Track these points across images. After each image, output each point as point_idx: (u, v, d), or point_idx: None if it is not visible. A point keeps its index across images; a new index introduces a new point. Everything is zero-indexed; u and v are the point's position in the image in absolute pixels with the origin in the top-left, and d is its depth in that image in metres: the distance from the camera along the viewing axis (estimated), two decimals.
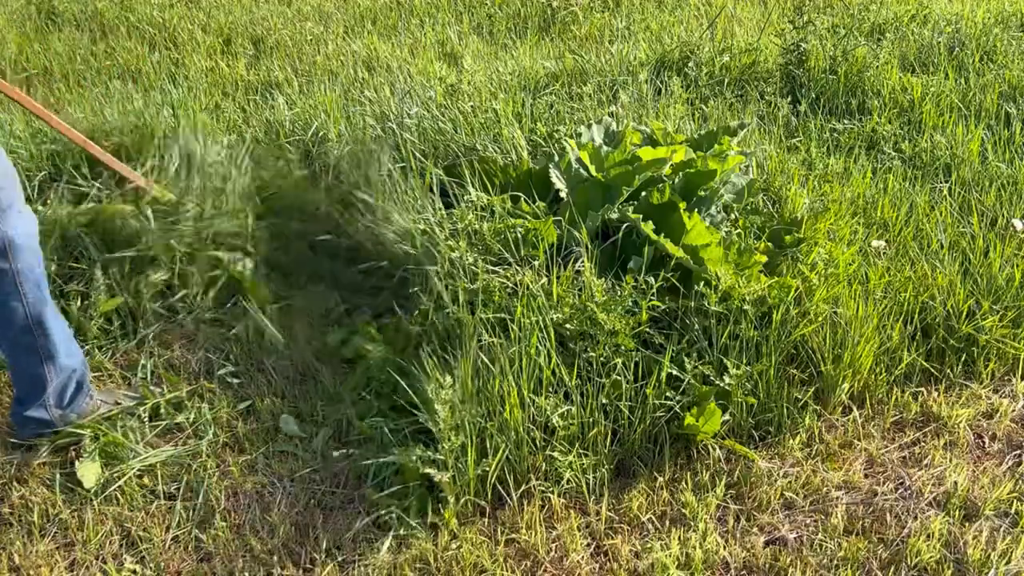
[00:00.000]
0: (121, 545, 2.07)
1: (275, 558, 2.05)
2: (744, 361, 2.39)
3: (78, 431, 2.26)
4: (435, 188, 2.90)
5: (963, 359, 2.58)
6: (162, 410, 2.38)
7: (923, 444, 2.38)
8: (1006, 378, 2.59)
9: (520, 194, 2.76)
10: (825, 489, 2.23)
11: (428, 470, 2.12)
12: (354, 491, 2.21)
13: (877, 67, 4.03)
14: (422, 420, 2.21)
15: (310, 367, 2.56)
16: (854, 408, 2.45)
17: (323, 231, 2.96)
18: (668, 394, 2.31)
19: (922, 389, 2.53)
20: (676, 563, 2.03)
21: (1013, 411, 2.48)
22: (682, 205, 2.54)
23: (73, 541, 2.07)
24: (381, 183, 2.88)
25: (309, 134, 3.47)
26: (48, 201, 2.97)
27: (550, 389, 2.30)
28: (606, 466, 2.25)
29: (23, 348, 2.15)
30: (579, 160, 2.82)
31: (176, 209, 2.88)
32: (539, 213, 2.70)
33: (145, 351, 2.61)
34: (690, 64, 4.11)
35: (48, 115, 2.84)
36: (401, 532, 2.10)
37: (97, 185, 2.98)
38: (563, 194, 2.77)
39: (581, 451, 2.25)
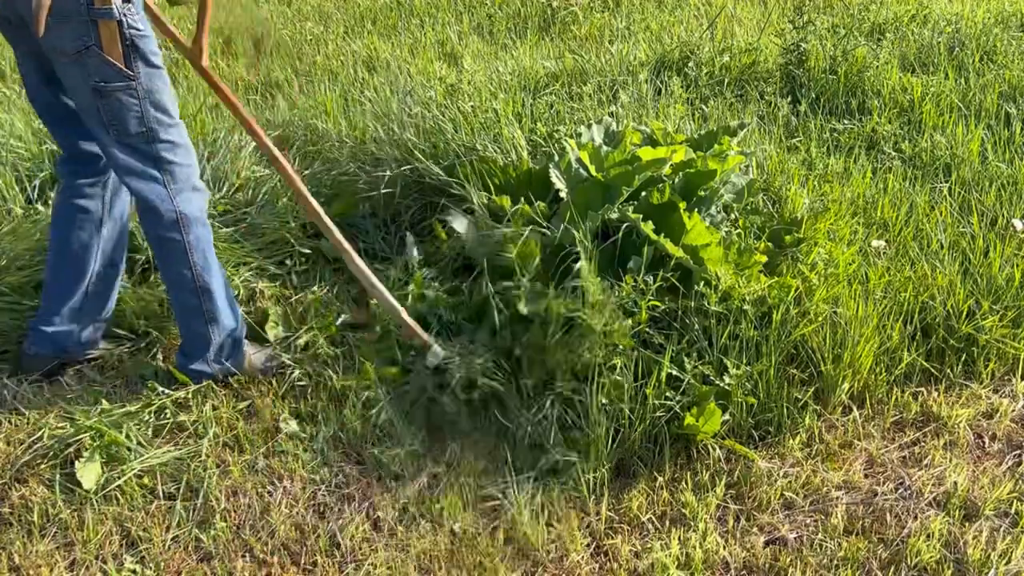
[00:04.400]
0: (121, 545, 2.07)
1: (275, 558, 2.05)
2: (744, 361, 2.39)
3: (92, 427, 2.26)
4: None
5: (963, 359, 2.58)
6: (167, 410, 2.38)
7: (923, 444, 2.38)
8: (1006, 378, 2.59)
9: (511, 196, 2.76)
10: (825, 489, 2.23)
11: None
12: (355, 490, 2.21)
13: (877, 67, 4.04)
14: None
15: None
16: (854, 408, 2.45)
17: None
18: (668, 394, 2.31)
19: (922, 389, 2.53)
20: (676, 563, 2.03)
21: (1013, 411, 2.48)
22: (682, 205, 2.54)
23: (73, 541, 2.07)
24: None
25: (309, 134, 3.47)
26: (50, 201, 2.97)
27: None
28: (606, 466, 2.25)
29: (190, 310, 2.37)
30: (579, 160, 2.82)
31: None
32: (539, 214, 2.70)
33: (151, 353, 2.61)
34: (690, 64, 4.11)
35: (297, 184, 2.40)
36: (400, 531, 2.11)
37: None
38: (563, 194, 2.77)
39: (581, 451, 2.25)
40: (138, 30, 2.08)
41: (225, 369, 2.46)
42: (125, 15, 2.04)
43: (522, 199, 2.73)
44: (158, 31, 2.22)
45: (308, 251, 2.89)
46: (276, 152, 2.32)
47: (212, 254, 2.36)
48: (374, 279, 2.41)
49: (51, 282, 2.45)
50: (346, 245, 2.40)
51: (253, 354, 2.53)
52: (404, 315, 2.43)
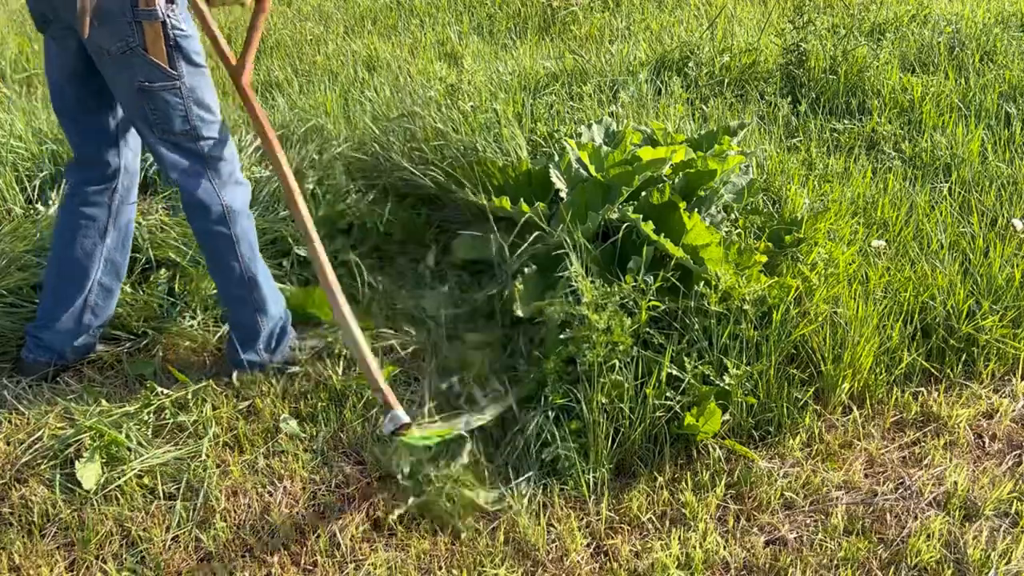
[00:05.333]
0: (121, 545, 2.07)
1: (275, 558, 2.05)
2: (744, 361, 2.39)
3: (93, 427, 2.26)
4: None
5: (963, 359, 2.58)
6: (167, 410, 2.38)
7: (923, 444, 2.38)
8: (1006, 378, 2.59)
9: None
10: (825, 489, 2.23)
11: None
12: (355, 490, 2.21)
13: (877, 67, 4.03)
14: None
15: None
16: (854, 408, 2.44)
17: None
18: (668, 394, 2.31)
19: (922, 389, 2.53)
20: (676, 563, 2.03)
21: (1013, 411, 2.48)
22: (682, 205, 2.54)
23: (73, 541, 2.07)
24: None
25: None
26: (50, 202, 2.97)
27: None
28: (606, 466, 2.25)
29: (238, 300, 2.41)
30: (579, 160, 2.82)
31: None
32: (540, 214, 2.70)
33: (150, 353, 2.61)
34: (690, 64, 4.11)
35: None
36: (400, 531, 2.11)
37: None
38: (563, 194, 2.77)
39: (581, 451, 2.25)
40: (181, 30, 2.12)
41: (275, 358, 2.50)
42: (169, 16, 2.08)
43: (522, 200, 2.73)
44: (209, 42, 2.22)
45: (305, 254, 2.90)
46: (293, 186, 2.24)
47: (256, 246, 2.41)
48: (362, 345, 2.23)
49: (51, 289, 2.46)
50: (345, 311, 2.24)
51: (298, 342, 2.57)
52: (382, 382, 2.23)
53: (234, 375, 2.47)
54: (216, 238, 2.32)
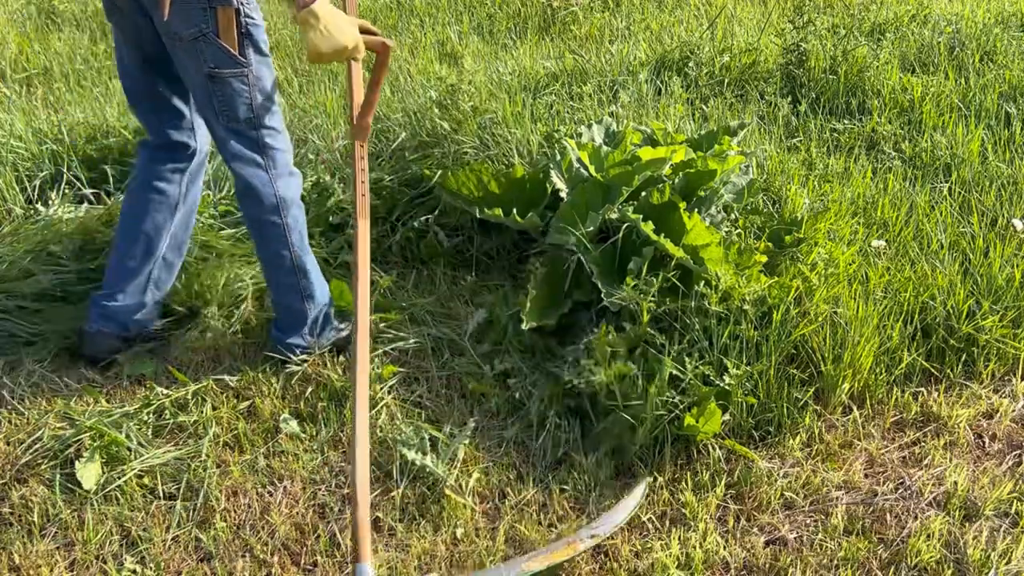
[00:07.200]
0: (121, 545, 2.08)
1: (275, 558, 2.05)
2: (744, 361, 2.39)
3: (86, 429, 2.26)
4: None
5: (963, 359, 2.58)
6: (166, 411, 2.38)
7: (923, 444, 2.38)
8: (1006, 378, 2.59)
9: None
10: (825, 489, 2.23)
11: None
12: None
13: (877, 67, 4.03)
14: None
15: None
16: (854, 408, 2.44)
17: None
18: (668, 394, 2.31)
19: (922, 389, 2.53)
20: (676, 563, 2.03)
21: (1013, 411, 2.48)
22: (682, 205, 2.54)
23: (73, 541, 2.07)
24: None
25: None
26: (50, 202, 2.97)
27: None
28: (606, 466, 2.25)
29: (287, 288, 2.46)
30: (579, 160, 2.82)
31: None
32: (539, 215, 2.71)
33: (148, 353, 2.61)
34: (690, 64, 4.10)
35: None
36: (400, 531, 2.11)
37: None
38: (563, 194, 2.77)
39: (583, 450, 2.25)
40: (252, 19, 2.16)
41: (319, 343, 2.54)
42: (242, 3, 2.11)
43: (514, 211, 2.73)
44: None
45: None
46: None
47: (306, 235, 2.45)
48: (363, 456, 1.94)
49: (118, 260, 2.50)
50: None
51: (340, 328, 2.60)
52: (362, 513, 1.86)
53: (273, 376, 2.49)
54: (268, 227, 2.36)
